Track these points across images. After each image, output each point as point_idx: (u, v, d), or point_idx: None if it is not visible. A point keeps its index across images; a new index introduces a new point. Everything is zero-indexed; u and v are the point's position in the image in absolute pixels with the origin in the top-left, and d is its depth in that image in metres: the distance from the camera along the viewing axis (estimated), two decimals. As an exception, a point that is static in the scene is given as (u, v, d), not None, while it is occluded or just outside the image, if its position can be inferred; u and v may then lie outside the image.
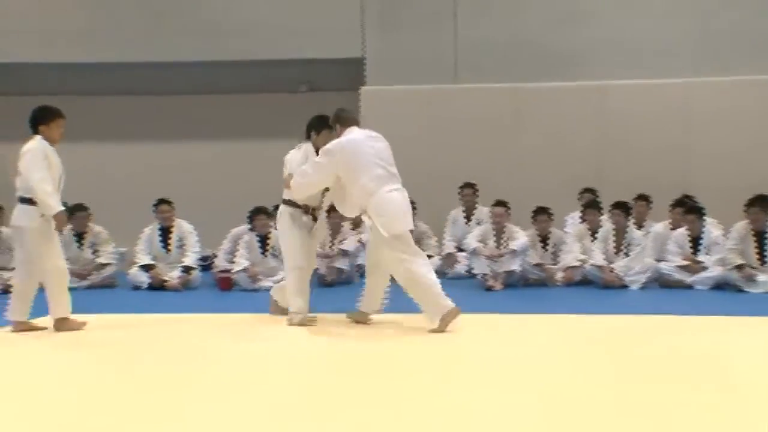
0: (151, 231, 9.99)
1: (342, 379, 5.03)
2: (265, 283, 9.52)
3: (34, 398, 4.56)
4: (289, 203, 7.05)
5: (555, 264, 9.87)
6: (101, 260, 10.00)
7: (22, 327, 6.66)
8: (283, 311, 7.08)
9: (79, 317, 7.24)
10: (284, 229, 7.05)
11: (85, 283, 9.82)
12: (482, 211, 10.71)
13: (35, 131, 6.79)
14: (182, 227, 10.01)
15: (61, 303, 6.66)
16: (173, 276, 9.67)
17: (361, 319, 6.92)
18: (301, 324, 6.78)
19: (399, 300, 6.85)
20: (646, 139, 11.08)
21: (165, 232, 9.99)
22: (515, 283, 9.63)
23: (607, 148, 11.19)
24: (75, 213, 10.05)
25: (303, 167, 6.84)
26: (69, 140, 11.90)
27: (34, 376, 5.19)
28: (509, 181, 11.08)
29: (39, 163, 6.53)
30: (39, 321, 6.79)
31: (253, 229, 9.83)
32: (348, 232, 10.30)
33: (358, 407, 4.30)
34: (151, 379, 5.04)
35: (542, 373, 5.02)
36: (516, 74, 11.33)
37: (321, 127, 7.06)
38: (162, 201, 10.01)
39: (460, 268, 10.47)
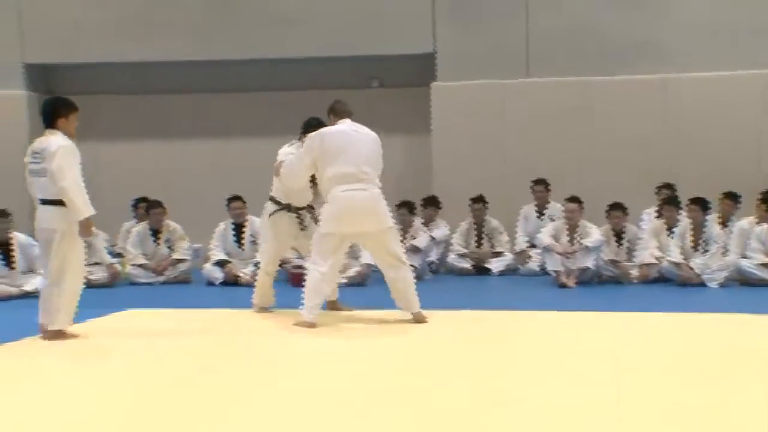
0: (224, 227, 10.12)
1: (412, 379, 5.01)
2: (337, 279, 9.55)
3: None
4: (272, 200, 7.25)
5: (630, 261, 9.68)
6: (176, 256, 10.17)
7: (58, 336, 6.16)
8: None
9: (155, 312, 7.39)
10: (264, 227, 7.39)
11: (160, 278, 10.02)
12: (555, 207, 10.57)
13: (52, 125, 6.28)
14: (255, 224, 10.09)
15: (69, 314, 6.21)
16: (246, 272, 9.77)
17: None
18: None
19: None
20: (722, 132, 10.78)
21: (238, 229, 10.10)
22: (589, 280, 9.48)
23: (682, 141, 10.92)
24: (151, 209, 10.25)
25: (290, 157, 7.01)
26: (145, 137, 12.36)
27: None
28: (582, 177, 10.91)
29: (72, 162, 6.11)
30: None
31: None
32: (419, 229, 10.28)
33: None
34: (226, 374, 5.09)
35: (616, 371, 4.92)
36: (589, 67, 11.14)
37: (318, 129, 7.02)
38: (235, 198, 10.13)
39: (533, 264, 10.37)
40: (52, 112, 6.30)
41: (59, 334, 6.13)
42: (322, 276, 6.59)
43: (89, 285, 9.47)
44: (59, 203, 6.08)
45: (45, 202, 6.16)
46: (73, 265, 6.11)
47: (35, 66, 11.99)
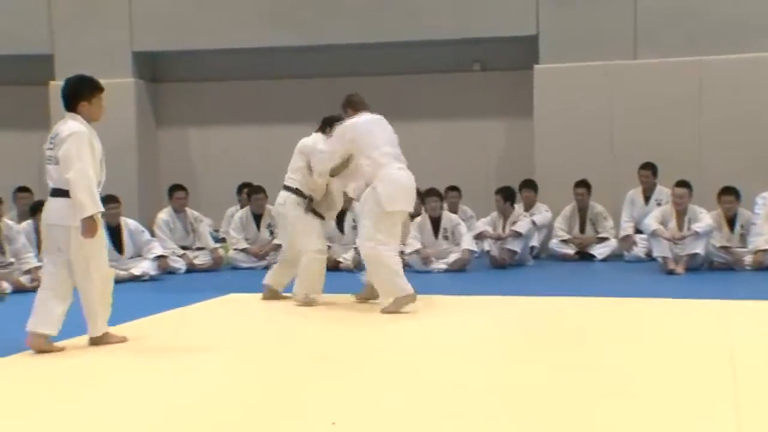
0: (325, 212, 10.15)
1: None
2: (437, 265, 9.51)
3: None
4: (297, 192, 7.25)
5: (743, 247, 9.30)
6: (278, 241, 10.25)
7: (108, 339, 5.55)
8: (278, 295, 7.41)
9: (256, 296, 7.48)
10: (298, 215, 7.21)
11: (262, 263, 10.13)
12: (662, 192, 10.24)
13: (72, 108, 5.47)
14: (356, 209, 10.11)
15: (104, 317, 5.52)
16: (347, 257, 9.80)
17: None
18: (307, 304, 7.05)
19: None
20: None
21: (340, 214, 10.11)
22: (699, 266, 9.16)
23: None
24: (253, 195, 10.39)
25: (317, 150, 7.10)
26: (249, 123, 12.52)
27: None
28: (692, 160, 10.52)
29: (83, 150, 5.30)
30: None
31: (425, 211, 9.82)
32: (520, 214, 10.11)
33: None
34: (326, 358, 5.09)
35: (730, 363, 4.70)
36: (699, 47, 10.69)
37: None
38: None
39: (638, 250, 10.07)
40: (73, 95, 5.49)
41: (103, 339, 5.49)
42: (395, 253, 6.76)
43: (194, 269, 9.80)
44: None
45: (56, 192, 5.35)
46: (97, 264, 5.37)
47: (143, 54, 12.27)
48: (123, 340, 5.57)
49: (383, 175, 6.62)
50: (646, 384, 4.32)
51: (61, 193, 5.29)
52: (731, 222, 9.42)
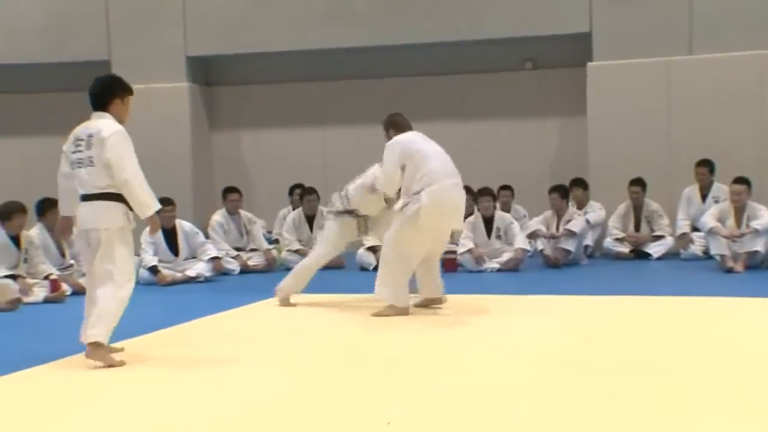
0: (378, 213, 10.16)
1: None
2: (490, 264, 9.46)
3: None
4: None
5: (805, 244, 9.08)
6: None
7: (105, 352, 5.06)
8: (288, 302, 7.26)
9: (309, 297, 7.49)
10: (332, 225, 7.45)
11: (316, 264, 10.17)
12: (720, 189, 10.04)
13: (103, 106, 5.24)
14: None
15: (109, 326, 5.06)
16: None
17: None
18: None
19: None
20: None
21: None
22: (759, 264, 8.97)
23: None
24: (306, 196, 10.44)
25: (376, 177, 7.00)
26: (299, 125, 12.59)
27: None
28: (752, 156, 10.30)
29: (130, 149, 5.14)
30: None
31: (478, 210, 9.78)
32: (574, 213, 10.01)
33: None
34: (379, 357, 5.09)
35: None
36: (759, 40, 10.48)
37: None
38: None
39: (695, 248, 9.89)
40: (107, 92, 5.27)
41: (97, 350, 4.99)
42: (411, 265, 6.74)
43: (247, 270, 9.88)
44: (110, 197, 5.08)
45: (90, 197, 5.11)
46: (123, 269, 5.09)
47: (196, 58, 12.42)
48: (120, 364, 4.99)
49: (434, 189, 6.40)
50: (700, 384, 4.24)
51: (100, 196, 5.07)
52: (792, 219, 9.21)
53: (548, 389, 4.25)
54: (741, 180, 9.19)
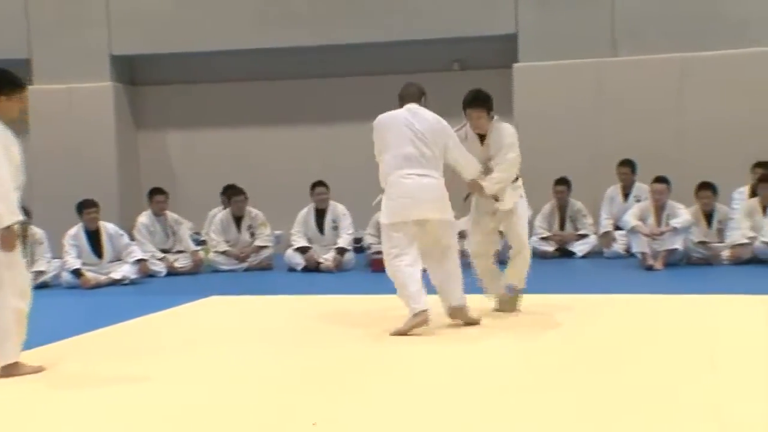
0: (306, 213, 10.16)
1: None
2: (419, 264, 9.49)
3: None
4: None
5: (721, 242, 9.37)
6: (258, 243, 10.26)
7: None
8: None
9: (237, 299, 7.45)
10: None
11: (243, 265, 10.12)
12: (641, 188, 10.29)
13: None
14: (336, 209, 10.13)
15: (17, 342, 4.73)
16: (327, 258, 9.80)
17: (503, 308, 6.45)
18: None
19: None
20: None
21: (320, 215, 10.13)
22: (677, 262, 9.21)
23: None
24: (233, 197, 10.36)
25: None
26: (226, 125, 12.49)
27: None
28: (671, 156, 10.56)
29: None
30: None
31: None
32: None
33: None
34: (307, 359, 5.08)
35: (712, 356, 4.73)
36: (680, 43, 10.75)
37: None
38: (318, 183, 10.16)
39: (618, 247, 10.12)
40: None
41: (12, 369, 4.70)
42: (412, 265, 6.04)
43: (174, 272, 9.78)
44: None
45: None
46: (11, 280, 4.65)
47: (121, 57, 12.22)
48: (38, 369, 4.78)
49: (389, 182, 5.92)
50: (625, 379, 4.35)
51: None
52: (709, 217, 9.49)
53: (492, 391, 4.30)
54: (661, 179, 9.42)
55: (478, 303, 6.23)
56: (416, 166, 5.87)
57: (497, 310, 6.41)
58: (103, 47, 12.05)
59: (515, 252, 6.45)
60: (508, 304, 6.41)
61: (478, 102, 6.27)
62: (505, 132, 6.29)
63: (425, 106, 6.15)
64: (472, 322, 5.88)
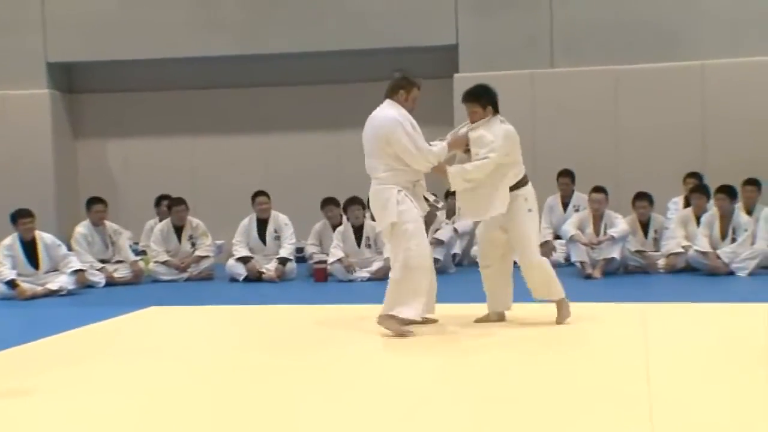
0: (248, 223, 10.10)
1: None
2: (360, 274, 9.53)
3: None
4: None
5: (657, 251, 9.57)
6: (199, 253, 10.17)
7: None
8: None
9: (178, 309, 7.38)
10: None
11: (183, 275, 10.03)
12: (580, 198, 10.46)
13: None
14: (278, 219, 10.09)
15: None
16: (270, 268, 9.76)
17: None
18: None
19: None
20: (752, 119, 10.59)
21: (261, 224, 10.08)
22: (615, 270, 9.38)
23: (711, 130, 10.76)
24: (174, 207, 10.26)
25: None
26: (167, 134, 12.37)
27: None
28: (609, 166, 10.78)
29: None
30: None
31: (347, 220, 9.84)
32: (442, 221, 10.21)
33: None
34: (251, 369, 5.05)
35: (647, 362, 4.83)
36: (615, 56, 11.00)
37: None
38: (260, 193, 10.11)
39: (558, 256, 10.24)
40: None
41: None
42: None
43: (113, 282, 9.63)
44: None
45: None
46: None
47: (58, 64, 12.04)
48: None
49: None
50: (560, 386, 4.42)
51: None
52: (645, 226, 9.69)
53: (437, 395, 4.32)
54: (599, 189, 9.59)
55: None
56: (371, 173, 6.02)
57: (478, 320, 6.26)
58: (39, 54, 11.87)
59: (523, 268, 6.18)
60: (559, 312, 6.15)
61: (468, 96, 6.13)
62: (496, 129, 5.99)
63: (405, 101, 6.06)
64: (399, 334, 5.75)
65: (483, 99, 6.10)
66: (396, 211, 5.83)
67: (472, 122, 6.13)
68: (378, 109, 6.11)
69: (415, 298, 5.82)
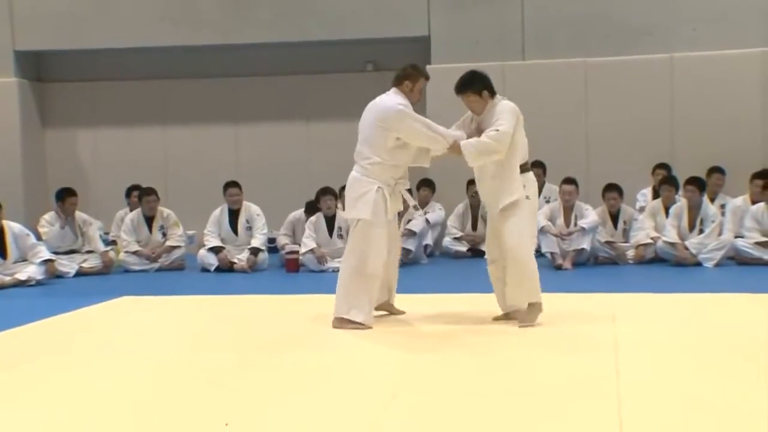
0: (219, 213, 10.07)
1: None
2: (332, 264, 9.53)
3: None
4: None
5: (626, 242, 9.67)
6: (170, 243, 10.12)
7: None
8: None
9: (149, 299, 7.36)
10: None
11: (154, 265, 9.98)
12: (551, 189, 10.53)
13: None
14: (250, 209, 10.07)
15: None
16: (241, 258, 9.74)
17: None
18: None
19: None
20: (720, 112, 10.70)
21: (233, 215, 10.06)
22: (585, 261, 9.47)
23: (680, 122, 10.87)
24: (144, 197, 10.20)
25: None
26: (138, 124, 12.28)
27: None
28: (579, 158, 10.87)
29: None
30: None
31: (319, 210, 9.83)
32: (414, 213, 10.22)
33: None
34: (220, 360, 5.05)
35: (615, 352, 4.89)
36: (585, 49, 11.07)
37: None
38: (231, 184, 10.08)
39: (529, 247, 10.32)
40: None
41: None
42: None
43: (83, 273, 9.57)
44: None
45: None
46: None
47: (26, 53, 11.91)
48: None
49: None
50: (533, 375, 4.46)
51: None
52: (615, 218, 9.79)
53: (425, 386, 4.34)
54: (570, 180, 9.66)
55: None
56: (356, 159, 5.96)
57: (496, 318, 6.00)
58: (7, 42, 11.73)
59: (507, 262, 5.81)
60: (526, 315, 5.78)
61: (461, 87, 5.98)
62: (499, 108, 5.86)
63: (410, 91, 6.00)
64: (354, 328, 5.70)
65: (476, 85, 5.95)
66: (370, 210, 5.75)
67: (473, 111, 6.01)
68: (381, 96, 6.02)
69: (369, 304, 5.80)
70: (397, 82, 6.03)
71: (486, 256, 6.20)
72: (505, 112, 5.82)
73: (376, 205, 5.77)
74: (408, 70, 6.05)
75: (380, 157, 5.84)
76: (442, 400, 4.02)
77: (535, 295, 5.78)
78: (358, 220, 5.84)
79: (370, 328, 5.78)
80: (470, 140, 5.82)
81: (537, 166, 10.64)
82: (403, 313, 6.22)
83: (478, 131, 5.91)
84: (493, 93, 5.96)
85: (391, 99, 5.92)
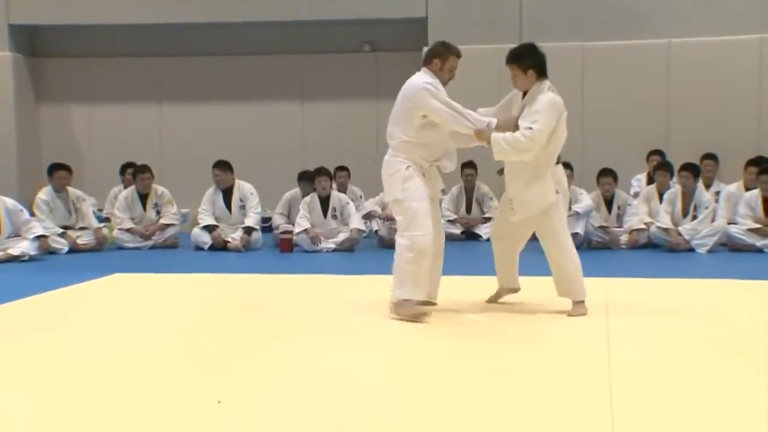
0: (213, 192, 10.06)
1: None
2: (326, 244, 9.54)
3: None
4: None
5: (620, 227, 9.68)
6: (164, 221, 10.12)
7: None
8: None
9: (142, 276, 7.35)
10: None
11: (148, 243, 9.99)
12: (545, 173, 10.52)
13: None
14: (243, 188, 10.05)
15: None
16: (235, 237, 9.73)
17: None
18: None
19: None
20: (716, 98, 10.73)
21: (227, 193, 10.04)
22: (578, 246, 9.38)
23: (675, 107, 10.88)
24: (139, 174, 10.18)
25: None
26: (133, 101, 12.24)
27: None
28: (574, 143, 10.79)
29: None
30: None
31: (314, 190, 9.83)
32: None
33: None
34: (211, 339, 5.05)
35: (607, 336, 4.91)
36: (582, 33, 11.06)
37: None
38: (216, 164, 10.02)
39: (523, 230, 10.33)
40: None
41: None
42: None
43: (77, 249, 9.56)
44: None
45: None
46: None
47: (21, 27, 11.85)
48: None
49: None
50: (522, 357, 4.48)
51: None
52: (609, 203, 9.80)
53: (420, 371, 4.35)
54: (564, 165, 9.61)
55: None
56: (388, 140, 5.75)
57: (489, 300, 6.04)
58: (1, 15, 11.66)
59: (552, 267, 5.84)
60: (574, 309, 5.70)
61: (510, 57, 5.75)
62: (541, 98, 5.59)
63: (440, 70, 5.76)
64: (413, 319, 5.43)
65: (524, 60, 5.64)
66: (400, 187, 5.55)
67: (514, 84, 5.78)
68: (410, 79, 5.77)
69: (421, 279, 5.60)
70: (427, 61, 5.82)
71: (492, 232, 6.15)
72: (545, 107, 5.54)
73: (407, 180, 5.56)
74: (437, 48, 5.79)
75: (408, 136, 5.64)
76: (433, 383, 4.03)
77: (581, 294, 5.73)
78: (395, 201, 5.63)
79: (425, 314, 5.52)
80: (503, 134, 5.54)
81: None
82: (434, 304, 5.90)
83: (514, 120, 5.66)
84: (541, 74, 5.67)
85: (419, 78, 5.72)
